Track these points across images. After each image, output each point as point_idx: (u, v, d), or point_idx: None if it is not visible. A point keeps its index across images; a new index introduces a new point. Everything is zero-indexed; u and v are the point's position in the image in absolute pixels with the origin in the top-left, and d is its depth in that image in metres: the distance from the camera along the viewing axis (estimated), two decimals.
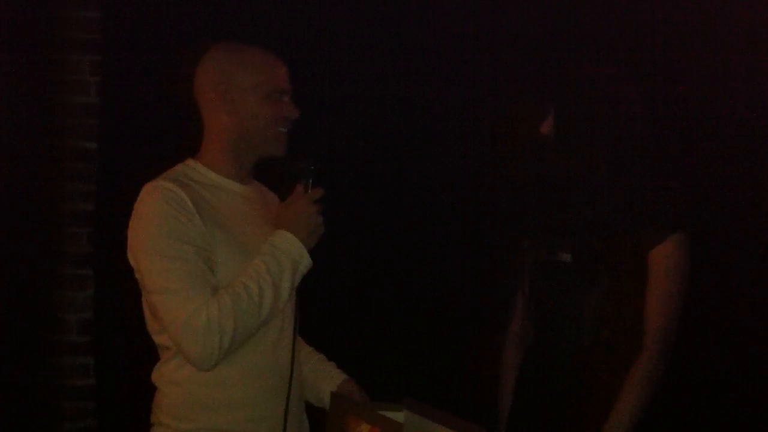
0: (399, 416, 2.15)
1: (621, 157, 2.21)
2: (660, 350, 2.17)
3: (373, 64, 3.65)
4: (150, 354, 2.10)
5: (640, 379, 2.16)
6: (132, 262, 2.03)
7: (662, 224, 2.17)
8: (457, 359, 3.45)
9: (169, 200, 1.96)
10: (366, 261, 3.65)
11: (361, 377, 2.34)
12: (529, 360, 2.39)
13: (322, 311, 3.12)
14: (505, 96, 3.36)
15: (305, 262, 2.04)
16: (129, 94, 3.56)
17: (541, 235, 2.34)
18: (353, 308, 3.63)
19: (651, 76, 3.18)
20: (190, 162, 2.14)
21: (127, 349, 3.37)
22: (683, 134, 3.20)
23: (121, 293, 2.49)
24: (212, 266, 1.98)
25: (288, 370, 2.10)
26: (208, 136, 2.15)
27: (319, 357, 2.38)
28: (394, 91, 3.64)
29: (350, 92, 3.67)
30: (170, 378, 2.03)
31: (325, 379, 2.31)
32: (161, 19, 3.55)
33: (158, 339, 2.06)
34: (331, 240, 2.10)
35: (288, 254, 2.00)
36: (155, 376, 2.09)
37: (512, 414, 2.42)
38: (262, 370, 2.06)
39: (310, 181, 2.08)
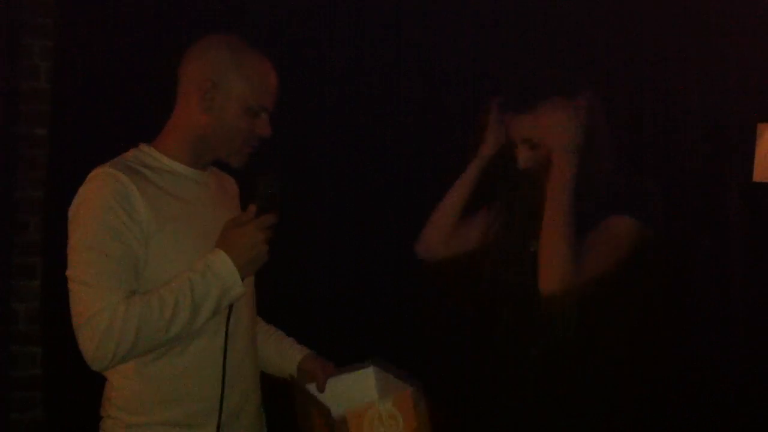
0: (369, 372, 2.24)
1: (590, 152, 2.21)
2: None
3: (366, 66, 3.64)
4: None
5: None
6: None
7: (610, 206, 2.18)
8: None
9: (112, 190, 1.90)
10: (335, 241, 3.64)
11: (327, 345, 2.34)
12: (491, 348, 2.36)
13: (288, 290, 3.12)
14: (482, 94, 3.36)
15: (236, 290, 1.95)
16: (81, 79, 3.49)
17: (511, 225, 2.34)
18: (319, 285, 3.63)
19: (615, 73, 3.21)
20: (144, 147, 2.09)
21: (76, 339, 3.34)
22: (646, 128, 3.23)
23: None
24: (138, 269, 1.91)
25: (242, 360, 2.08)
26: (173, 123, 2.09)
27: (277, 335, 2.36)
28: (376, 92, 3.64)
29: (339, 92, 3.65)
30: (121, 370, 1.99)
31: (286, 358, 2.29)
32: (114, 3, 3.48)
33: None
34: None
35: (220, 278, 1.92)
36: None
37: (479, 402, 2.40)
38: (215, 362, 2.02)
39: (266, 204, 1.99)
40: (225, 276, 1.92)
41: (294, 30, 3.56)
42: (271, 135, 2.09)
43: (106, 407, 2.06)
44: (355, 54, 3.61)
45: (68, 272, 1.91)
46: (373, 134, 3.59)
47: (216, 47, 2.04)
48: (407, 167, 3.60)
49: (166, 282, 1.91)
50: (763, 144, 2.91)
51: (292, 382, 2.25)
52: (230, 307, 2.00)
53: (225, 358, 2.02)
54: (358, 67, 3.62)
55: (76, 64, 3.51)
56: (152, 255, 1.94)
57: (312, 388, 2.23)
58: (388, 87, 3.60)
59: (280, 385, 2.38)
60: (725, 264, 3.12)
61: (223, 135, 2.04)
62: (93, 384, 2.12)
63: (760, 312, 3.08)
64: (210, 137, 2.05)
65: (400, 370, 2.16)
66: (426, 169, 3.56)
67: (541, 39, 3.35)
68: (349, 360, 2.31)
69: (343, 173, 3.62)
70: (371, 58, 3.60)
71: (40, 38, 3.62)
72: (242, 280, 1.96)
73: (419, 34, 3.58)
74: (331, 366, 2.27)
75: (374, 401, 2.02)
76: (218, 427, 2.02)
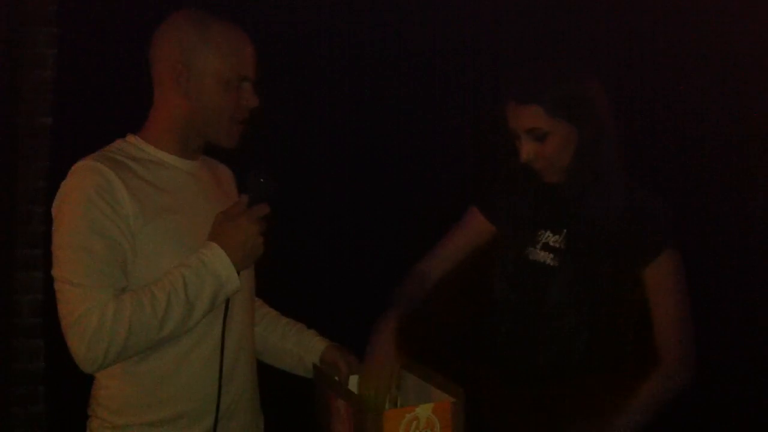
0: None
1: (613, 169, 2.13)
2: (679, 364, 2.10)
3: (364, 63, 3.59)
4: None
5: (653, 391, 2.09)
6: None
7: (653, 243, 2.11)
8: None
9: (94, 183, 1.81)
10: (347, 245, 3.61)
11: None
12: (501, 351, 2.26)
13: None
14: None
15: (232, 284, 1.85)
16: (86, 68, 3.42)
17: (527, 232, 2.23)
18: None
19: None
20: (131, 138, 2.00)
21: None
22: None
23: None
24: (126, 265, 1.82)
25: (236, 357, 2.00)
26: (155, 112, 1.99)
27: (298, 327, 2.27)
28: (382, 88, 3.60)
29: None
30: (108, 370, 1.88)
31: (308, 350, 2.21)
32: None
33: None
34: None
35: (214, 274, 1.83)
36: None
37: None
38: (209, 360, 1.94)
39: (258, 195, 1.89)
40: (220, 271, 1.84)
41: (293, 27, 3.52)
42: (258, 104, 1.98)
43: (94, 407, 1.98)
44: (353, 50, 3.56)
45: (53, 271, 1.82)
46: (376, 128, 3.55)
47: (179, 26, 1.93)
48: (408, 161, 3.56)
49: (157, 278, 1.82)
50: None
51: (317, 370, 2.16)
52: (227, 302, 1.91)
53: (222, 355, 1.94)
54: (356, 62, 3.57)
55: (82, 53, 3.44)
56: (141, 250, 1.84)
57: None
58: (387, 82, 3.56)
59: (280, 385, 2.31)
60: (752, 269, 3.06)
61: (207, 115, 1.94)
62: (82, 383, 2.04)
63: None
64: (194, 121, 1.95)
65: (434, 373, 2.07)
66: (424, 164, 3.52)
67: (550, 43, 3.29)
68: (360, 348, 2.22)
69: (345, 165, 3.58)
70: (369, 55, 3.55)
71: (46, 26, 3.55)
72: (238, 274, 1.87)
73: (418, 30, 3.53)
74: (355, 360, 2.18)
75: (415, 405, 1.94)
76: (214, 427, 1.94)
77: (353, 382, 2.17)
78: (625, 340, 2.17)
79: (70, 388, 3.35)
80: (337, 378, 2.17)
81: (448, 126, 3.51)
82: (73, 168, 1.87)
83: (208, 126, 1.96)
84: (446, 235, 2.39)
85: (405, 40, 3.55)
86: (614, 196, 2.12)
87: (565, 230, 2.18)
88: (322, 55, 3.57)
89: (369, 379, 2.13)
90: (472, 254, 2.35)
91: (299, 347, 2.23)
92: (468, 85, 3.45)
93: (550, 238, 2.19)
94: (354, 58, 3.58)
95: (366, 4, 3.54)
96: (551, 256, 2.17)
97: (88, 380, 2.09)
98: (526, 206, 2.25)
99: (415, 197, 3.07)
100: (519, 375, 2.20)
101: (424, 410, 1.91)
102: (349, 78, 3.58)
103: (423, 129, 3.57)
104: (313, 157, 3.57)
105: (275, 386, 2.27)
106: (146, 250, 1.85)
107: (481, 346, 2.29)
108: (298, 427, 2.37)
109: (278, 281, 2.48)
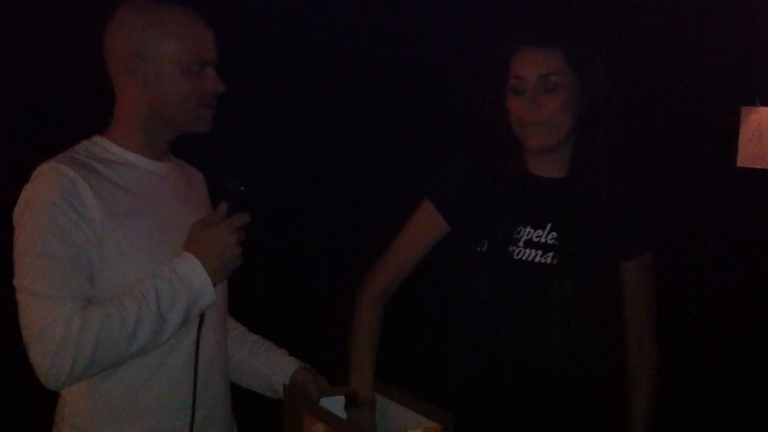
0: None
1: (616, 151, 2.07)
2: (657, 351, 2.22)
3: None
4: None
5: (653, 377, 2.20)
6: None
7: (647, 234, 2.15)
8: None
9: (57, 187, 1.70)
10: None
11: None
12: (497, 355, 2.11)
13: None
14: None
15: (207, 297, 1.77)
16: (23, 71, 3.28)
17: (504, 229, 2.08)
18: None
19: None
20: (97, 138, 1.89)
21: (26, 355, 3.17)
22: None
23: None
24: (93, 273, 1.72)
25: (209, 372, 1.91)
26: (118, 110, 1.89)
27: (267, 346, 2.18)
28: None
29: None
30: (73, 386, 1.77)
31: (277, 370, 2.12)
32: None
33: None
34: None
35: (188, 285, 1.74)
36: None
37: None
38: (177, 378, 1.85)
39: (238, 204, 1.80)
40: (193, 283, 1.74)
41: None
42: (224, 89, 1.89)
43: (58, 424, 1.87)
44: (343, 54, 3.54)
45: (15, 281, 1.71)
46: (363, 133, 3.53)
47: (127, 17, 1.84)
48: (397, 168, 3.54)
49: (127, 288, 1.72)
50: (747, 128, 2.82)
51: (289, 391, 2.07)
52: (201, 315, 1.82)
53: (196, 370, 1.85)
54: (347, 65, 3.54)
55: (18, 55, 3.31)
56: (109, 257, 1.75)
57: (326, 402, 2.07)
58: (377, 84, 3.53)
59: (252, 403, 2.22)
60: (709, 252, 3.08)
61: (172, 105, 1.85)
62: (45, 400, 1.92)
63: (743, 299, 3.05)
64: (159, 112, 1.86)
65: (416, 399, 1.99)
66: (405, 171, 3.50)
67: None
68: (333, 367, 2.16)
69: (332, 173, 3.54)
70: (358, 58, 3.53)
71: None
72: (214, 286, 1.78)
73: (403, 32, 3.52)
74: (325, 382, 2.11)
75: (404, 429, 1.88)
76: None
77: (323, 405, 2.06)
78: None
79: (18, 411, 3.25)
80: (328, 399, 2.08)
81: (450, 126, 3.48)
82: (36, 171, 1.76)
83: (174, 116, 1.86)
84: (398, 239, 2.19)
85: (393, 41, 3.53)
86: (616, 181, 2.07)
87: (549, 224, 2.07)
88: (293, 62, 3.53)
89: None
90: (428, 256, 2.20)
91: (268, 367, 2.14)
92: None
93: (532, 234, 2.07)
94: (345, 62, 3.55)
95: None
96: (540, 252, 2.06)
97: (37, 401, 1.99)
98: (494, 200, 2.10)
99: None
100: (526, 374, 2.09)
101: None
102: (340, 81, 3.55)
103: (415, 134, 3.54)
104: (295, 166, 3.52)
105: (247, 404, 2.19)
106: (114, 257, 1.75)
107: (459, 357, 2.17)
108: None
109: (250, 294, 2.39)
